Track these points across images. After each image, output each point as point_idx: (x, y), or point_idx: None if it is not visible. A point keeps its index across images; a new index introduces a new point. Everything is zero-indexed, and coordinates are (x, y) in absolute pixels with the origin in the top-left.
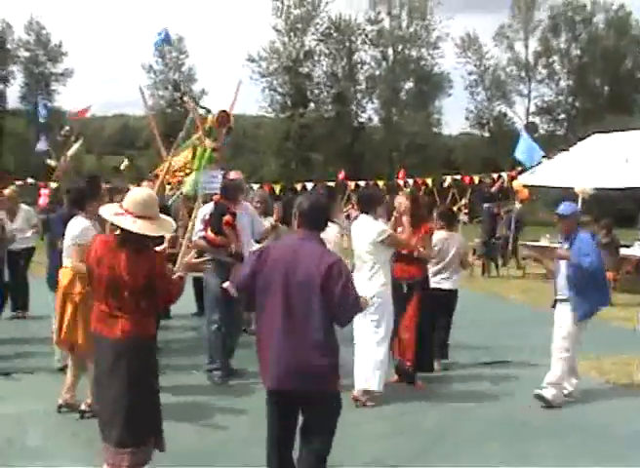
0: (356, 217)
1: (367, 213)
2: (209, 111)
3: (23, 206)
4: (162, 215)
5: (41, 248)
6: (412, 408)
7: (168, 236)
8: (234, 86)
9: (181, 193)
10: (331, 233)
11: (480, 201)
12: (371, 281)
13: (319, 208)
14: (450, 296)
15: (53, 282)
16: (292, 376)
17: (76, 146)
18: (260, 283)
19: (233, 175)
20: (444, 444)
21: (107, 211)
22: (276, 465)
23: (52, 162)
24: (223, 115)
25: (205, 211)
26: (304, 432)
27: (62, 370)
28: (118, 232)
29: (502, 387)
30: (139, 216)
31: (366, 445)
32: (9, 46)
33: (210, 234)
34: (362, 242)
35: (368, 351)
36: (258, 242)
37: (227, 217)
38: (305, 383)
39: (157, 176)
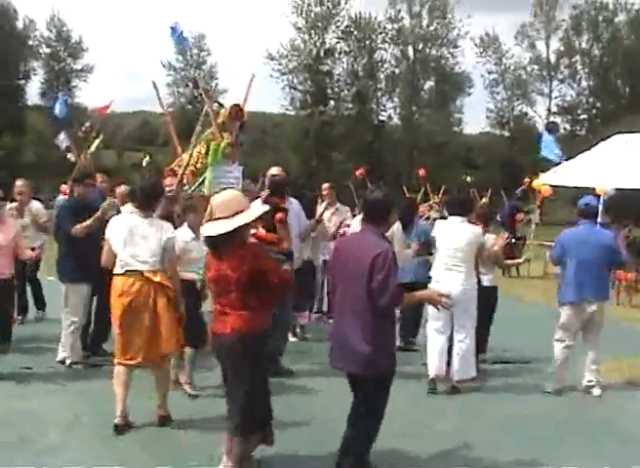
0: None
1: (460, 215)
2: (222, 105)
3: (35, 202)
4: (252, 204)
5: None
6: (428, 405)
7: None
8: (253, 83)
9: (200, 190)
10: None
11: (507, 200)
12: (460, 279)
13: (378, 203)
14: (489, 293)
15: (61, 274)
16: (343, 358)
17: (96, 142)
18: (332, 271)
19: (275, 170)
20: (462, 443)
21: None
22: (344, 435)
23: (72, 157)
24: (236, 109)
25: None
26: (353, 410)
27: (76, 364)
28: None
29: (523, 386)
30: (215, 219)
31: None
32: (30, 42)
33: (261, 231)
34: (454, 242)
35: (460, 344)
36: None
37: (280, 214)
38: (353, 366)
39: (173, 171)
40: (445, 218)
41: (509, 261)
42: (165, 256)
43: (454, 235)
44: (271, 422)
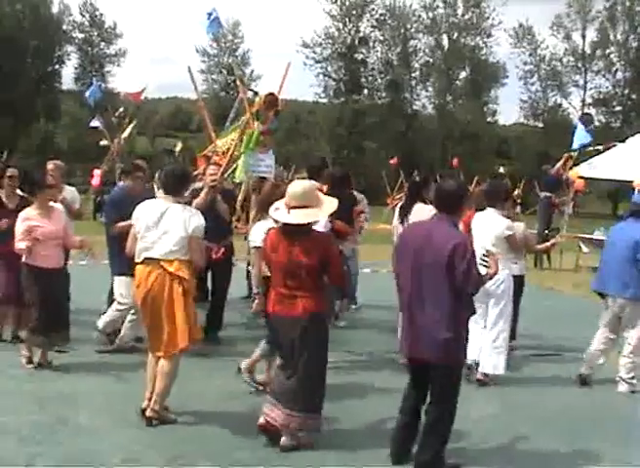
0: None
1: (493, 206)
2: (256, 94)
3: (67, 187)
4: (327, 199)
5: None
6: (460, 399)
7: None
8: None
9: (232, 178)
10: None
11: (541, 189)
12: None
13: (452, 193)
14: (518, 282)
15: (114, 266)
16: (420, 347)
17: (130, 128)
18: (398, 261)
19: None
20: (494, 436)
21: (272, 207)
22: (400, 424)
23: (106, 142)
24: (271, 98)
25: None
26: (430, 397)
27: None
28: (280, 224)
29: (555, 380)
30: (293, 207)
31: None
32: (65, 27)
33: (338, 223)
34: (487, 234)
35: (493, 337)
36: None
37: (359, 207)
38: (432, 353)
39: (206, 158)
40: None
41: (540, 246)
42: (190, 246)
43: (487, 227)
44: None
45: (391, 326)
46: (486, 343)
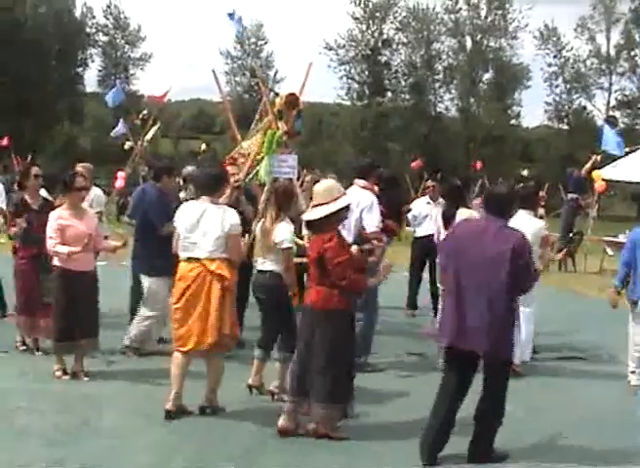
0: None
1: (525, 208)
2: (277, 94)
3: (95, 188)
4: (346, 198)
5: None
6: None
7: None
8: (311, 72)
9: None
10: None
11: (567, 191)
12: None
13: (502, 196)
14: None
15: (149, 267)
16: (472, 340)
17: (153, 130)
18: (449, 257)
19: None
20: (518, 439)
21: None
22: (442, 414)
23: (131, 144)
24: (292, 98)
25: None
26: (483, 390)
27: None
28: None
29: (578, 382)
30: (314, 205)
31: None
32: (88, 30)
33: (390, 222)
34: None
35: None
36: None
37: (407, 206)
38: (482, 347)
39: (233, 159)
40: None
41: (554, 256)
42: (228, 244)
43: (522, 228)
44: (352, 398)
45: (400, 328)
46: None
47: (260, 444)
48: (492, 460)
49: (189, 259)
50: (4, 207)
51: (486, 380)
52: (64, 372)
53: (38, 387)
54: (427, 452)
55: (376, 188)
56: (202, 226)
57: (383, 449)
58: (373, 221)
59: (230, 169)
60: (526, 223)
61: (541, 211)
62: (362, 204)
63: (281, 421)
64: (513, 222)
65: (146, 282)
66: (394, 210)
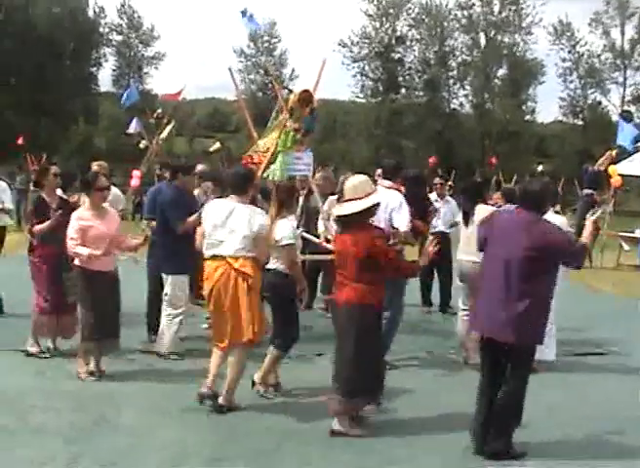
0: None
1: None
2: (291, 92)
3: (113, 188)
4: (378, 194)
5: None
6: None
7: None
8: (324, 70)
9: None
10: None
11: (583, 186)
12: None
13: (537, 193)
14: None
15: (170, 266)
16: (500, 328)
17: (168, 129)
18: (488, 245)
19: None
20: (534, 435)
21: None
22: (482, 405)
23: (145, 143)
24: (305, 95)
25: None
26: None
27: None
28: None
29: (594, 378)
30: (344, 201)
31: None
32: (101, 29)
33: (418, 222)
34: None
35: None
36: None
37: (434, 206)
38: (513, 337)
39: (250, 158)
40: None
41: None
42: (255, 243)
43: None
44: (382, 390)
45: (416, 326)
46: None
47: (275, 442)
48: (510, 457)
49: (214, 257)
50: (10, 206)
51: (511, 371)
52: (91, 374)
53: (53, 385)
54: (476, 443)
55: (402, 188)
56: (229, 225)
57: (400, 449)
58: (403, 221)
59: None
60: (550, 219)
61: (557, 207)
62: (391, 204)
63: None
64: None
65: (169, 281)
66: (421, 209)
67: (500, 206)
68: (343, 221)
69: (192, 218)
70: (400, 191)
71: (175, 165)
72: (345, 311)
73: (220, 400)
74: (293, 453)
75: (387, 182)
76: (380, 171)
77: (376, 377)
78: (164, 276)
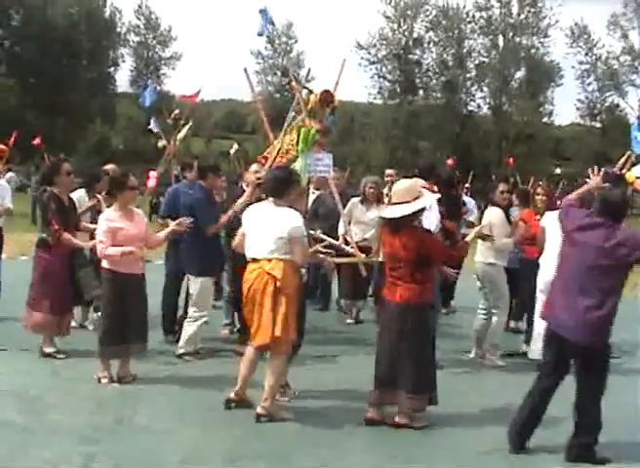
0: None
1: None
2: (311, 92)
3: None
4: (429, 195)
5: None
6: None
7: None
8: (342, 72)
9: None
10: None
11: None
12: None
13: (615, 202)
14: None
15: (198, 268)
16: (579, 330)
17: (185, 130)
18: (565, 245)
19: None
20: (553, 438)
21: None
22: (537, 398)
23: (163, 143)
24: (326, 95)
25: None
26: (578, 378)
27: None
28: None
29: (613, 381)
30: (393, 203)
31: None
32: (119, 30)
33: (449, 223)
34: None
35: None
36: None
37: (466, 207)
38: (589, 338)
39: (265, 159)
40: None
41: None
42: (290, 246)
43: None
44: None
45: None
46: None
47: (292, 442)
48: (589, 461)
49: (252, 260)
50: (11, 206)
51: (580, 374)
52: (111, 379)
53: (70, 385)
54: (515, 439)
55: (435, 189)
56: (264, 227)
57: (416, 449)
58: (433, 221)
59: (254, 167)
60: None
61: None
62: None
63: (369, 412)
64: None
65: (195, 283)
66: (453, 210)
67: (511, 205)
68: (392, 224)
69: (223, 220)
70: (433, 191)
71: (204, 165)
72: (403, 310)
73: (259, 409)
74: (309, 454)
75: (421, 182)
76: (389, 171)
77: (433, 373)
78: (191, 277)
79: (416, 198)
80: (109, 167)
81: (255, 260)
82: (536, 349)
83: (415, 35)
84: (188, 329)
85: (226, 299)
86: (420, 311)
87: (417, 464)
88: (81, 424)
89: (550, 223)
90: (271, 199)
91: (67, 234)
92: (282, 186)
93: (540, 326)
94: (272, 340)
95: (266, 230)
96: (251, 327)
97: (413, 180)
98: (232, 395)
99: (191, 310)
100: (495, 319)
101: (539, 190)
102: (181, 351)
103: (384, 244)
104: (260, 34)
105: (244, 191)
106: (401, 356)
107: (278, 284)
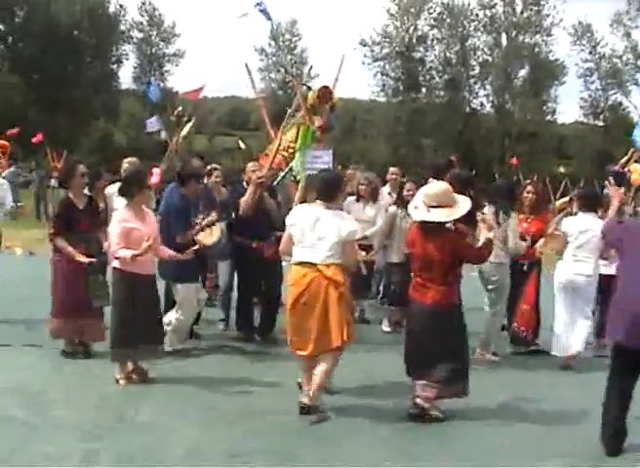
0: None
1: (588, 211)
2: (310, 88)
3: None
4: (463, 199)
5: None
6: (530, 393)
7: None
8: (345, 68)
9: (292, 175)
10: None
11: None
12: (588, 269)
13: None
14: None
15: (177, 274)
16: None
17: (188, 126)
18: (626, 248)
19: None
20: (567, 438)
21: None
22: (615, 408)
23: (165, 138)
24: (325, 91)
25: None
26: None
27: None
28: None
29: None
30: (431, 207)
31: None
32: (122, 27)
33: (461, 226)
34: (590, 237)
35: (574, 322)
36: None
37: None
38: None
39: (267, 156)
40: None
41: None
42: (344, 249)
43: (590, 231)
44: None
45: None
46: (576, 331)
47: (293, 440)
48: None
49: (302, 264)
50: (20, 203)
51: None
52: (129, 378)
53: (73, 381)
54: (609, 445)
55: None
56: (318, 231)
57: (417, 446)
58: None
59: (253, 165)
60: (596, 225)
61: (599, 212)
62: None
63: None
64: (580, 225)
65: (177, 289)
66: (469, 212)
67: (570, 212)
68: (427, 226)
69: (188, 235)
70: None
71: (186, 173)
72: (435, 311)
73: (305, 399)
74: (310, 451)
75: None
76: (393, 169)
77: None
78: (172, 284)
79: (455, 203)
80: (130, 160)
81: (305, 264)
82: (558, 346)
83: (418, 33)
84: (171, 332)
85: (222, 296)
86: (452, 311)
87: (418, 462)
88: (83, 420)
89: (575, 228)
90: (320, 202)
91: (61, 240)
92: (332, 190)
93: (560, 326)
94: (343, 344)
95: (323, 234)
96: (303, 332)
97: (444, 185)
98: (304, 399)
99: (174, 313)
100: (490, 316)
101: (528, 188)
102: (169, 350)
103: (414, 245)
104: (245, 15)
105: (245, 189)
106: (435, 355)
107: (342, 289)
